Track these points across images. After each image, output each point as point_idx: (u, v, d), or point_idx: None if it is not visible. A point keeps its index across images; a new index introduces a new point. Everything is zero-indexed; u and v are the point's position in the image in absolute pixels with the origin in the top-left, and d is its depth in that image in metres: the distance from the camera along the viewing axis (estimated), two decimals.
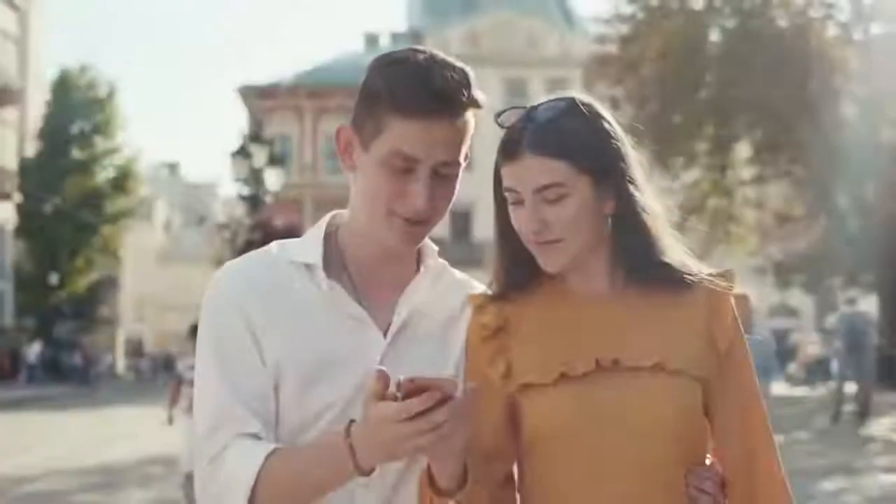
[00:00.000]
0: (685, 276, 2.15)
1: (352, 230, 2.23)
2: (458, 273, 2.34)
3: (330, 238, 2.24)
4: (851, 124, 30.41)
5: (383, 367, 1.84)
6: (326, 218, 2.30)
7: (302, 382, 2.09)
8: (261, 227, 23.55)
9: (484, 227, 56.91)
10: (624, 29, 32.19)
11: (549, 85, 59.28)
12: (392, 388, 1.81)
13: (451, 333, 2.24)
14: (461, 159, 2.13)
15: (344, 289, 2.16)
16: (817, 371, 31.22)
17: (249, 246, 23.12)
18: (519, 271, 2.19)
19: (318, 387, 2.07)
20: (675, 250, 2.18)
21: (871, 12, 31.14)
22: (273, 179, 22.53)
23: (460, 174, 2.16)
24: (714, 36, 31.13)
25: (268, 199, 22.66)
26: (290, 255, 2.19)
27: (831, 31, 30.44)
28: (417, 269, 2.26)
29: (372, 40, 72.56)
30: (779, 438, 8.38)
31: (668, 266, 2.15)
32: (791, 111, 28.68)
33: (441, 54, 2.10)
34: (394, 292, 2.21)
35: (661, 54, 30.04)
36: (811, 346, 35.32)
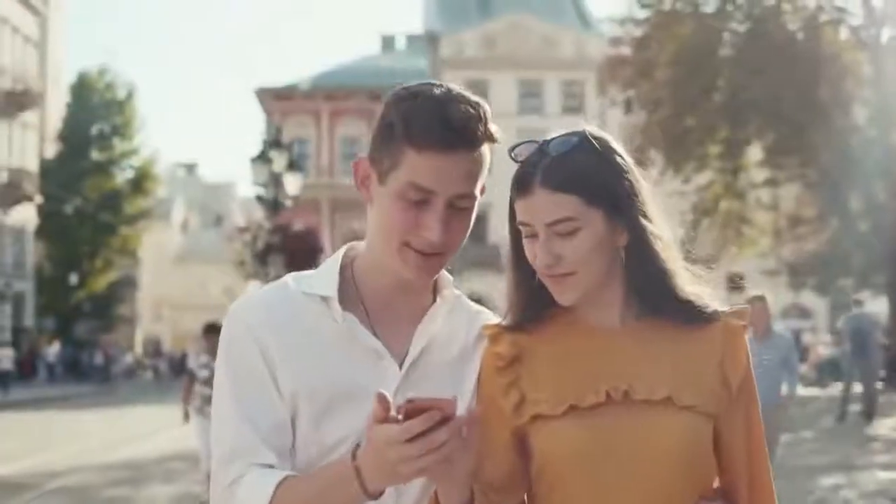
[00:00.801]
0: (700, 311, 2.16)
1: (367, 262, 2.23)
2: (472, 304, 2.37)
3: (346, 270, 2.24)
4: (862, 127, 30.70)
5: (384, 391, 1.84)
6: (343, 250, 2.31)
7: (318, 414, 2.11)
8: (280, 230, 23.98)
9: (499, 230, 56.74)
10: (637, 32, 32.46)
11: (563, 86, 59.56)
12: (393, 412, 1.82)
13: (466, 365, 2.26)
14: (477, 192, 2.13)
15: (360, 321, 2.17)
16: (828, 371, 31.41)
17: (269, 249, 23.62)
18: (533, 303, 2.21)
19: (334, 418, 2.09)
20: (688, 283, 2.19)
21: (883, 17, 31.34)
22: (292, 184, 23.00)
23: (475, 207, 2.16)
24: (726, 41, 31.36)
25: (287, 203, 23.10)
26: (306, 287, 2.20)
27: (843, 35, 30.64)
28: (434, 300, 2.28)
29: (388, 42, 73.00)
30: (786, 437, 9.09)
31: (681, 300, 2.16)
32: (802, 115, 28.91)
33: (458, 88, 2.13)
34: (410, 324, 2.22)
35: (674, 59, 30.32)
36: (822, 346, 35.59)
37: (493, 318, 2.30)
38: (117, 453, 18.51)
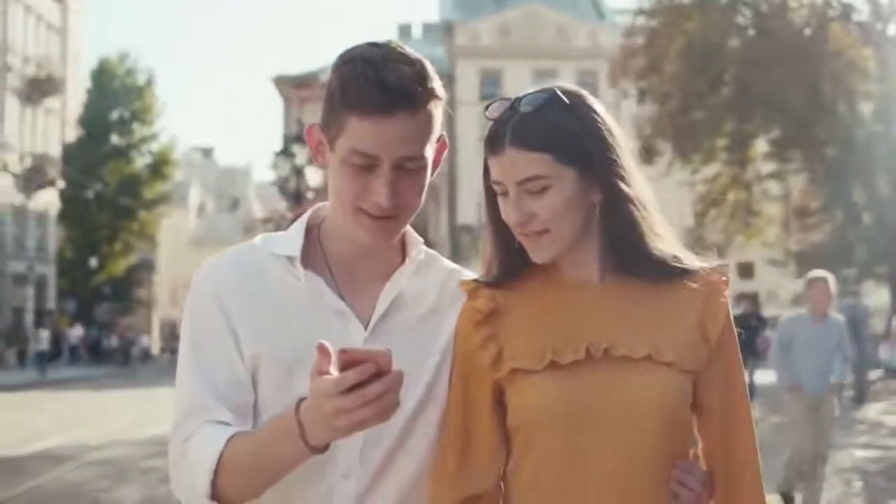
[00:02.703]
0: (677, 268, 2.14)
1: (332, 225, 2.23)
2: (447, 262, 2.35)
3: (312, 231, 2.24)
4: (867, 122, 31.41)
5: (325, 342, 1.81)
6: (310, 211, 2.31)
7: (281, 374, 2.10)
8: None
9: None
10: (651, 22, 32.94)
11: (578, 76, 60.11)
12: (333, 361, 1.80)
13: (437, 322, 2.24)
14: (426, 152, 2.09)
15: (325, 282, 2.16)
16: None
17: None
18: (510, 259, 2.19)
19: (296, 378, 2.05)
20: (667, 241, 2.16)
21: (889, 12, 31.96)
22: (314, 176, 24.06)
23: (430, 165, 2.13)
24: (733, 36, 31.98)
25: (309, 195, 24.07)
26: (272, 247, 2.20)
27: (849, 31, 31.22)
28: (403, 261, 2.26)
29: (405, 31, 73.61)
30: (778, 419, 10.20)
31: (658, 258, 2.13)
32: (808, 109, 29.57)
33: (401, 48, 2.09)
34: (377, 284, 2.20)
35: (682, 53, 31.03)
36: None
37: (470, 276, 2.30)
38: (148, 430, 19.47)
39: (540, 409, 2.07)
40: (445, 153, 2.23)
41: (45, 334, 42.33)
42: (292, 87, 61.20)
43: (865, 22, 31.88)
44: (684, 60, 30.94)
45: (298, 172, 23.91)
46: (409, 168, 2.07)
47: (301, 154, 23.58)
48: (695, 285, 2.14)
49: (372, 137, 2.02)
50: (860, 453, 13.96)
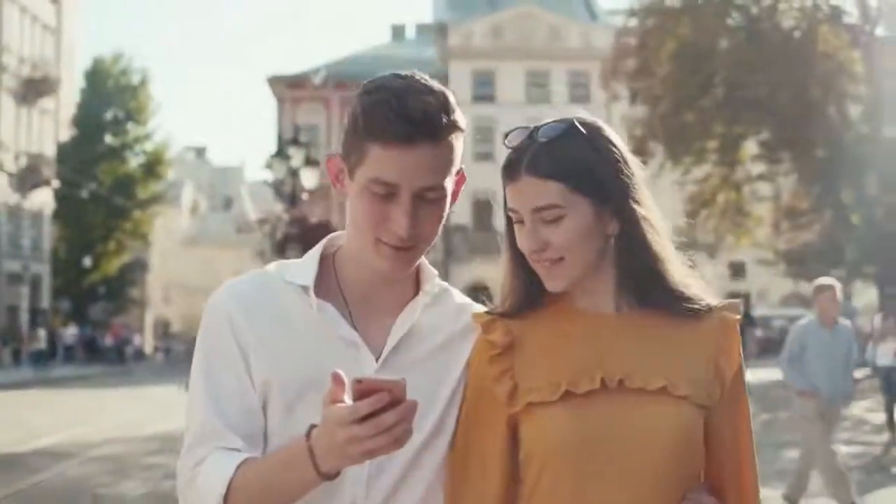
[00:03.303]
0: (692, 302, 2.15)
1: (347, 254, 2.22)
2: (459, 296, 2.35)
3: (327, 260, 2.24)
4: (855, 123, 31.75)
5: (339, 371, 1.84)
6: (325, 240, 2.29)
7: (290, 402, 2.10)
8: (297, 222, 25.32)
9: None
10: (646, 22, 33.04)
11: (571, 77, 60.48)
12: (348, 390, 1.82)
13: (449, 356, 2.23)
14: (446, 183, 2.10)
15: (338, 311, 2.16)
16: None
17: (287, 239, 24.97)
18: (527, 290, 2.19)
19: (306, 407, 2.05)
20: (681, 274, 2.17)
21: (877, 15, 32.26)
22: (309, 178, 24.42)
23: (448, 196, 2.14)
24: (724, 39, 32.26)
25: (304, 196, 24.44)
26: (287, 275, 2.20)
27: (838, 33, 31.50)
28: (416, 293, 2.25)
29: (398, 32, 73.97)
30: (765, 416, 10.61)
31: (673, 290, 2.15)
32: (797, 111, 29.88)
33: (423, 79, 2.10)
34: (389, 316, 2.20)
35: (673, 56, 31.34)
36: None
37: (480, 310, 2.29)
38: (147, 427, 19.80)
39: (554, 439, 2.07)
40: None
41: (42, 334, 42.62)
42: (286, 87, 61.51)
43: (854, 24, 32.14)
44: (675, 63, 31.22)
45: (294, 174, 24.26)
46: (428, 198, 2.08)
47: (297, 156, 23.93)
48: (708, 321, 2.16)
49: (393, 167, 2.03)
50: (843, 448, 14.27)
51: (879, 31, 32.55)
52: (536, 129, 2.11)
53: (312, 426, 1.88)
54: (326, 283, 2.19)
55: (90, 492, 12.59)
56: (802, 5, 32.09)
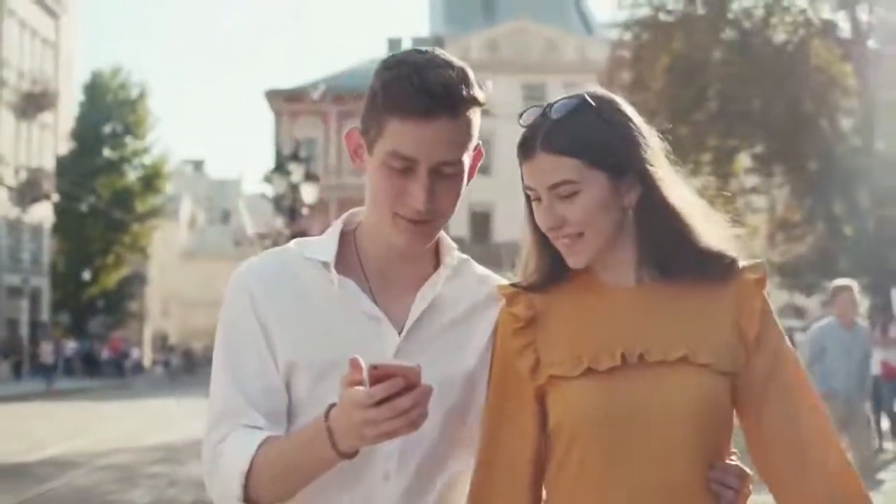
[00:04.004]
0: (714, 266, 2.13)
1: (367, 229, 2.23)
2: (479, 267, 2.34)
3: (347, 236, 2.24)
4: (847, 136, 32.07)
5: (357, 357, 1.86)
6: (344, 216, 2.30)
7: (314, 379, 2.12)
8: (298, 236, 25.50)
9: (503, 229, 58.28)
10: (642, 35, 33.32)
11: (566, 90, 59.54)
12: (364, 375, 1.84)
13: (472, 327, 2.23)
14: (464, 158, 2.11)
15: (359, 286, 2.17)
16: (810, 366, 32.78)
17: None
18: (548, 265, 2.19)
19: (330, 383, 2.03)
20: (707, 232, 2.15)
21: (868, 30, 32.58)
22: (309, 193, 24.83)
23: (466, 172, 2.15)
24: (716, 53, 32.53)
25: (304, 211, 24.84)
26: (307, 252, 2.21)
27: (830, 47, 31.77)
28: (436, 266, 2.25)
29: (395, 45, 73.89)
30: None
31: (696, 254, 2.13)
32: (790, 125, 30.15)
33: (443, 54, 2.11)
34: (411, 290, 2.20)
35: (667, 70, 31.67)
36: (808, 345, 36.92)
37: (502, 281, 2.29)
38: (151, 437, 20.15)
39: (578, 415, 2.08)
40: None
41: (48, 348, 42.94)
42: (284, 100, 61.83)
43: (846, 38, 32.43)
44: (669, 77, 31.52)
45: (294, 189, 24.66)
46: (446, 173, 2.09)
47: (297, 172, 24.33)
48: (730, 284, 2.14)
49: (412, 140, 2.04)
50: None
51: (871, 45, 32.83)
52: (549, 106, 2.13)
53: (331, 406, 1.92)
54: (347, 259, 2.20)
55: (99, 499, 12.92)
56: (794, 20, 32.38)
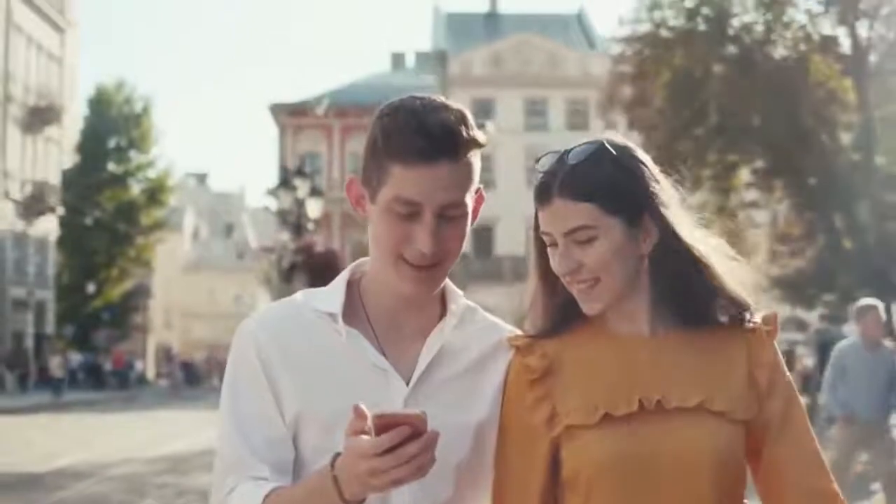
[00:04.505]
0: (729, 315, 2.15)
1: (372, 279, 2.22)
2: (486, 315, 2.32)
3: (353, 286, 2.23)
4: (847, 151, 32.30)
5: (360, 405, 1.85)
6: (351, 267, 2.29)
7: (322, 430, 2.10)
8: (303, 251, 26.02)
9: (505, 243, 58.46)
10: (644, 52, 33.56)
11: (568, 104, 61.01)
12: (369, 423, 1.82)
13: (481, 376, 2.22)
14: (467, 199, 2.11)
15: (366, 337, 2.15)
16: (811, 380, 32.97)
17: (293, 268, 25.72)
18: (561, 312, 2.19)
19: (338, 435, 1.99)
20: (722, 279, 2.15)
21: (868, 46, 32.78)
22: (314, 209, 25.20)
23: (469, 214, 2.14)
24: (717, 68, 32.74)
25: (309, 226, 25.20)
26: (314, 303, 2.20)
27: (830, 63, 31.98)
28: (442, 314, 2.24)
29: (398, 60, 74.54)
30: None
31: (710, 303, 2.14)
32: (790, 140, 30.37)
33: (439, 99, 2.11)
34: (417, 339, 2.19)
35: (668, 87, 31.92)
36: (808, 358, 37.12)
37: (510, 329, 2.29)
38: (159, 448, 20.40)
39: (595, 463, 2.06)
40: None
41: (57, 360, 43.21)
42: (288, 114, 62.02)
43: (846, 54, 32.63)
44: (669, 92, 31.75)
45: (299, 204, 25.02)
46: (450, 216, 2.08)
47: (302, 187, 24.72)
48: (743, 332, 2.16)
49: (415, 185, 2.04)
50: None
51: (871, 60, 33.01)
52: (567, 152, 2.13)
53: (336, 455, 1.90)
54: (353, 310, 2.19)
55: None
56: (795, 35, 32.59)
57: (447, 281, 2.25)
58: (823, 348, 21.87)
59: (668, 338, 2.15)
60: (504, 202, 46.39)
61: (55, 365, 42.76)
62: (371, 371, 2.13)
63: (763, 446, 2.14)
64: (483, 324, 2.29)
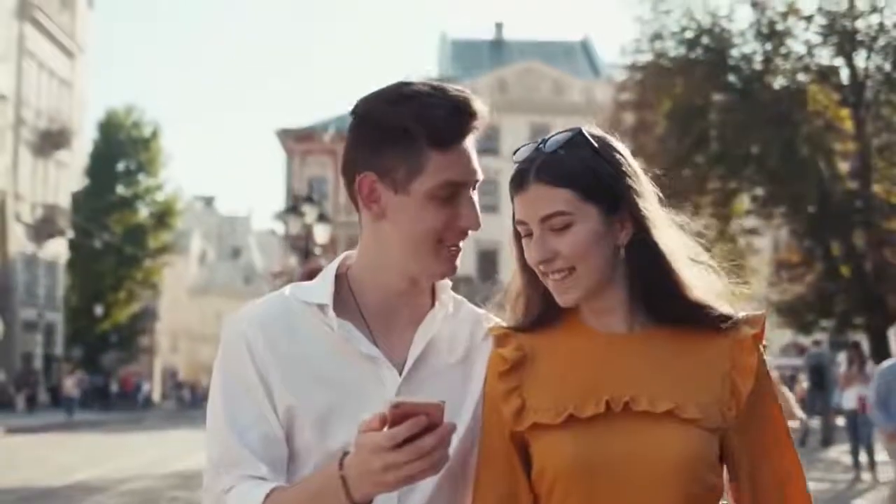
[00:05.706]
0: (708, 316, 2.08)
1: (362, 271, 2.19)
2: (475, 307, 2.30)
3: (341, 279, 2.19)
4: (844, 179, 32.81)
5: (377, 413, 1.79)
6: (338, 259, 2.25)
7: (319, 423, 2.07)
8: (311, 275, 26.46)
9: (510, 267, 58.33)
10: (646, 81, 34.12)
11: None
12: (385, 411, 1.77)
13: (470, 367, 2.19)
14: None
15: (357, 328, 2.12)
16: (809, 403, 33.40)
17: None
18: (539, 306, 2.15)
19: (335, 426, 2.03)
20: (698, 287, 2.10)
21: (865, 76, 33.30)
22: (321, 234, 25.84)
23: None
24: (716, 98, 33.24)
25: (317, 251, 25.78)
26: (303, 296, 2.16)
27: (828, 93, 32.46)
28: (432, 305, 2.22)
29: None
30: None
31: (687, 304, 2.08)
32: (787, 168, 30.91)
33: (429, 81, 2.12)
34: (408, 329, 2.16)
35: (668, 116, 32.51)
36: (805, 381, 37.55)
37: (497, 321, 2.24)
38: (170, 465, 20.90)
39: (558, 465, 2.01)
40: None
41: (73, 380, 43.72)
42: (294, 140, 62.49)
43: (844, 84, 33.11)
44: (670, 122, 32.29)
45: (308, 230, 25.65)
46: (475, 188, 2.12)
47: (310, 213, 25.34)
48: (725, 336, 2.08)
49: (460, 165, 2.05)
50: (812, 485, 15.32)
51: (868, 90, 33.49)
52: (544, 141, 2.09)
53: (345, 454, 1.86)
54: (343, 301, 2.15)
55: None
56: (793, 66, 33.09)
57: None
58: (819, 371, 22.54)
59: (645, 335, 2.10)
60: (509, 226, 45.52)
61: (70, 384, 43.19)
62: (362, 361, 2.11)
63: (740, 458, 2.09)
64: (472, 315, 2.29)
